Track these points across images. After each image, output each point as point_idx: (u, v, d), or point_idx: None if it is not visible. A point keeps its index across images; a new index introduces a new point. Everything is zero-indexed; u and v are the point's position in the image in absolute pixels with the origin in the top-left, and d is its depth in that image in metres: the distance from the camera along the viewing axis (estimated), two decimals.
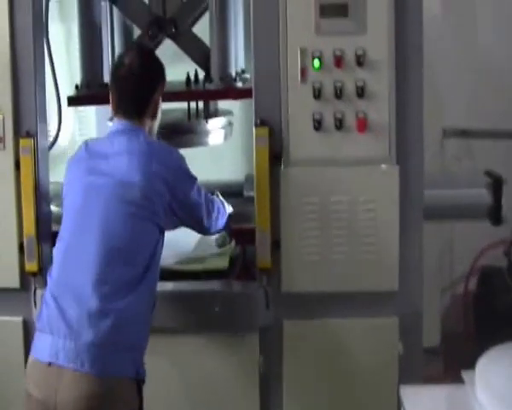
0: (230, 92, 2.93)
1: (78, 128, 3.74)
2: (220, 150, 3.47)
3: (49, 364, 2.38)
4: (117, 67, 2.68)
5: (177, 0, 3.05)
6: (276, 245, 2.85)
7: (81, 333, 2.37)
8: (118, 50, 3.13)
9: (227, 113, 3.22)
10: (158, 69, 2.70)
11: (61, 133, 3.44)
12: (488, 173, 3.14)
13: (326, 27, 2.71)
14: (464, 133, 4.05)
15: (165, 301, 2.84)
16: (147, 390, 2.57)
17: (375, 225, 2.83)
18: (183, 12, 3.03)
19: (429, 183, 3.07)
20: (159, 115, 2.72)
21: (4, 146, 2.84)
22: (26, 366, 2.50)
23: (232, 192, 3.12)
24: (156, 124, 2.73)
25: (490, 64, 4.09)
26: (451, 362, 4.05)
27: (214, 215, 2.76)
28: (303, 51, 2.72)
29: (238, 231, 2.94)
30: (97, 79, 3.03)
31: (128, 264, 2.47)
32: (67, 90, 3.20)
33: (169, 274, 2.95)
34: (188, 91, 2.94)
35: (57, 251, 2.57)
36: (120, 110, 2.65)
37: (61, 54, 3.37)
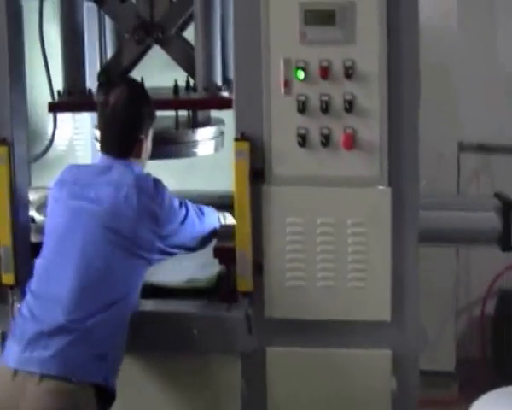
0: (212, 102, 2.75)
1: (74, 132, 3.64)
2: (216, 160, 3.30)
3: (15, 372, 2.40)
4: (102, 105, 2.65)
5: (165, 4, 2.89)
6: (259, 267, 2.67)
7: (48, 343, 2.41)
8: (109, 53, 3.01)
9: (218, 122, 3.03)
10: (143, 109, 2.66)
11: (58, 137, 3.38)
12: (498, 196, 2.89)
13: (311, 36, 2.48)
14: (482, 148, 3.77)
15: (144, 321, 2.69)
16: None
17: (365, 251, 2.61)
18: (170, 17, 2.87)
19: (439, 204, 2.86)
20: (146, 154, 2.71)
21: None
22: None
23: (227, 204, 2.95)
24: (144, 162, 2.72)
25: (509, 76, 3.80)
26: (467, 387, 3.86)
27: (205, 217, 2.75)
28: (286, 61, 2.51)
29: (222, 249, 2.76)
30: (79, 85, 2.89)
31: (104, 290, 2.52)
32: None
33: (154, 290, 2.81)
34: (168, 100, 2.78)
35: (37, 266, 2.62)
36: (104, 147, 2.68)
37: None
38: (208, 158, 3.16)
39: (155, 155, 2.86)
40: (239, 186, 2.59)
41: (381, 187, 2.57)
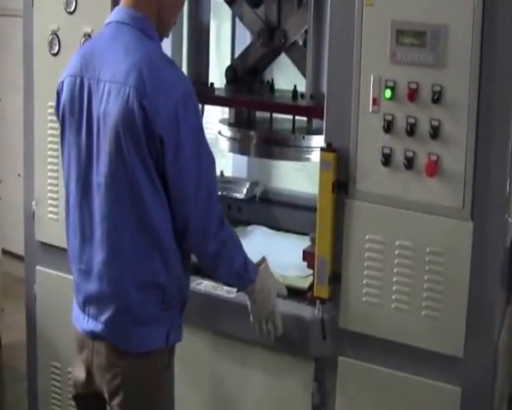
0: (316, 111, 2.78)
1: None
2: None
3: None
4: None
5: (292, 11, 2.98)
6: (337, 277, 2.70)
7: (98, 309, 2.39)
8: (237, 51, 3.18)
9: None
10: None
11: (208, 126, 3.61)
12: None
13: (401, 56, 2.43)
14: None
15: (225, 307, 2.88)
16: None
17: (442, 281, 2.52)
18: (293, 23, 2.96)
19: None
20: (168, 15, 2.34)
21: None
22: None
23: None
24: (169, 18, 2.36)
25: None
26: None
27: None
28: (376, 79, 2.49)
29: (312, 254, 2.81)
30: (200, 77, 3.09)
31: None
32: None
33: None
34: (265, 102, 2.89)
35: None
36: None
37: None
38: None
39: (269, 155, 3.00)
40: (322, 195, 2.62)
41: (461, 220, 2.47)
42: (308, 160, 3.04)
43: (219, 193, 3.40)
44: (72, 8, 3.05)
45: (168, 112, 2.16)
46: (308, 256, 2.82)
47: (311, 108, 2.83)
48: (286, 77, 3.27)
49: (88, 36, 3.01)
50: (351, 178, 2.61)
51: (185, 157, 2.21)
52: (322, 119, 2.66)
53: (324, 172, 2.61)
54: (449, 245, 2.50)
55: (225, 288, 2.92)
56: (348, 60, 2.53)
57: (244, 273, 2.47)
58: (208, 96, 3.01)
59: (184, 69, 3.16)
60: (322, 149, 2.61)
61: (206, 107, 3.37)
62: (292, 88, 3.08)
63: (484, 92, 2.37)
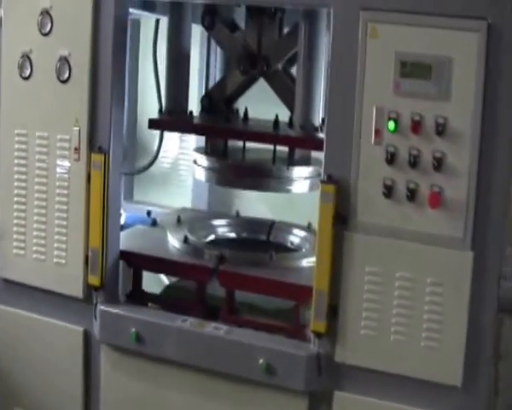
0: (304, 142, 2.75)
1: (180, 152, 3.78)
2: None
3: None
4: None
5: (274, 38, 2.94)
6: (333, 310, 2.66)
7: None
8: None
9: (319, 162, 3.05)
10: None
11: (164, 155, 3.52)
12: None
13: (405, 88, 2.44)
14: None
15: (216, 343, 2.80)
16: None
17: (441, 311, 2.53)
18: (276, 51, 2.92)
19: None
20: None
21: (79, 157, 2.89)
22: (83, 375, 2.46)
23: None
24: None
25: None
26: None
27: None
28: (379, 110, 2.49)
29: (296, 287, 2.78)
30: (180, 106, 3.01)
31: None
32: None
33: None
34: (257, 132, 2.83)
35: None
36: None
37: None
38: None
39: (249, 186, 2.93)
40: (322, 228, 2.59)
41: (462, 250, 2.49)
42: (289, 191, 3.00)
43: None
44: (48, 29, 2.85)
45: None
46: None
47: (306, 139, 2.78)
48: (255, 105, 3.21)
49: (64, 59, 2.84)
50: (351, 210, 2.59)
51: None
52: (316, 150, 2.63)
53: (324, 206, 2.57)
54: (449, 275, 2.51)
55: (212, 324, 2.86)
56: (350, 90, 2.52)
57: None
58: (194, 125, 2.92)
59: (163, 97, 3.08)
60: (322, 181, 2.58)
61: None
62: (260, 116, 3.06)
63: (487, 124, 2.41)
